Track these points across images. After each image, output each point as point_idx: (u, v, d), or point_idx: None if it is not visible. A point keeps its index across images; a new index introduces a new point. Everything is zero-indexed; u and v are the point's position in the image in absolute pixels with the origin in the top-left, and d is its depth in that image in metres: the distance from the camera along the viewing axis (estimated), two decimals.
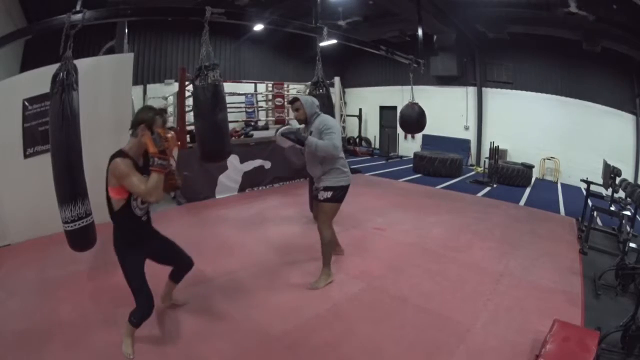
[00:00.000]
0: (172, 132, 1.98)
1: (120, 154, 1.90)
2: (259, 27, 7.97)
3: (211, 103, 2.73)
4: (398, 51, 5.20)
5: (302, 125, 2.92)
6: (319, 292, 2.80)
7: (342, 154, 2.79)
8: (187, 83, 5.15)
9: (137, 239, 2.06)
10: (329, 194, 2.76)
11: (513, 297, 2.78)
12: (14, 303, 2.53)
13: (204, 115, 2.80)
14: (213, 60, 2.76)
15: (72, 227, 2.29)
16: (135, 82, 7.00)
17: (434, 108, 7.65)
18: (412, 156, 9.22)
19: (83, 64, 2.90)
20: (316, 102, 2.86)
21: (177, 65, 8.77)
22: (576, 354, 1.83)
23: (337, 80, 8.32)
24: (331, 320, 2.43)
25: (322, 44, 4.08)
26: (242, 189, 5.88)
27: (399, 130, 6.24)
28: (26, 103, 3.60)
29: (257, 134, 6.51)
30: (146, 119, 1.93)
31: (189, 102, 4.55)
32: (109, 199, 1.93)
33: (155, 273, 2.17)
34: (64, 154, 2.26)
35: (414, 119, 5.24)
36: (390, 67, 11.41)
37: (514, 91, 9.42)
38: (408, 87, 5.50)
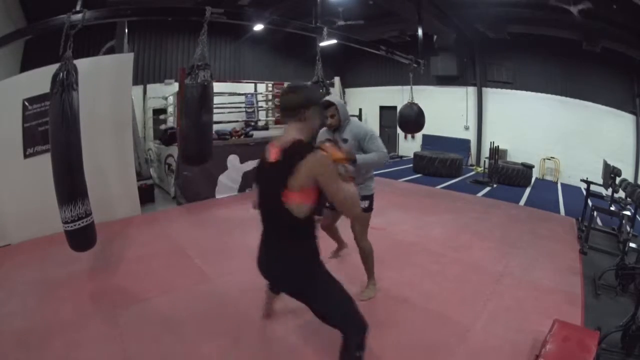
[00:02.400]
0: None
1: (312, 147, 1.41)
2: (259, 27, 7.98)
3: (198, 103, 2.67)
4: (398, 51, 5.20)
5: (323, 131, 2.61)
6: None
7: None
8: None
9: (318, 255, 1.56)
10: (366, 204, 2.57)
11: (513, 297, 2.78)
12: (14, 303, 2.53)
13: (189, 115, 2.73)
14: (206, 60, 2.74)
15: (72, 227, 2.29)
16: (135, 82, 6.99)
17: (434, 108, 7.67)
18: (412, 156, 9.22)
19: (83, 64, 2.90)
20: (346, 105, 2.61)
21: (177, 65, 8.78)
22: (576, 354, 1.83)
23: (337, 80, 8.32)
24: None
25: (322, 44, 4.07)
26: (242, 189, 5.87)
27: (399, 130, 6.24)
28: (26, 103, 3.60)
29: (257, 134, 6.51)
30: (318, 99, 1.46)
31: None
32: (283, 208, 1.37)
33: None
34: (64, 154, 2.26)
35: (413, 119, 5.25)
36: (390, 67, 11.41)
37: (514, 91, 9.43)
38: (408, 87, 5.50)
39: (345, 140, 2.45)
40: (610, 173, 4.22)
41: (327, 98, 2.50)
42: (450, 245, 3.83)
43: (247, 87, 8.36)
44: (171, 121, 7.05)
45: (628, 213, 3.88)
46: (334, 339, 2.23)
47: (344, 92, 10.90)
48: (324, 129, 2.57)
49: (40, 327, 2.24)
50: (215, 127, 5.96)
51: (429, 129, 6.02)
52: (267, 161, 1.48)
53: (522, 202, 6.29)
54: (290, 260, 1.49)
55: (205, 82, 2.69)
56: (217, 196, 5.57)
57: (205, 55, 2.72)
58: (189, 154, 2.86)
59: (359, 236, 2.64)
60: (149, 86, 8.63)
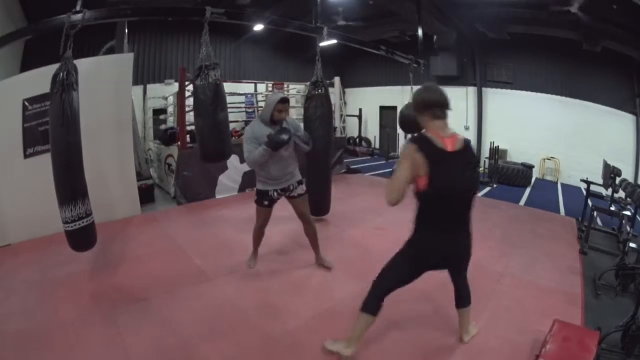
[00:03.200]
0: None
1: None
2: (259, 27, 7.97)
3: (212, 102, 2.74)
4: (398, 51, 5.20)
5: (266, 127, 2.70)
6: (319, 292, 2.80)
7: None
8: (187, 83, 5.15)
9: None
10: (304, 186, 2.92)
11: (513, 297, 2.78)
12: (14, 303, 2.53)
13: (205, 115, 2.79)
14: (213, 60, 2.76)
15: (72, 227, 2.30)
16: (135, 82, 7.01)
17: None
18: None
19: (83, 64, 2.91)
20: None
21: (177, 65, 8.79)
22: (576, 354, 1.83)
23: (337, 80, 8.31)
24: (331, 320, 2.43)
25: (322, 44, 4.07)
26: (242, 189, 5.87)
27: (399, 130, 6.23)
28: (26, 103, 3.60)
29: None
30: None
31: (189, 102, 4.55)
32: (475, 192, 1.85)
33: None
34: (64, 154, 2.27)
35: (414, 119, 5.23)
36: (390, 67, 11.41)
37: (514, 91, 9.42)
38: (408, 87, 5.50)
39: (288, 130, 2.64)
40: (610, 173, 4.22)
41: (282, 95, 2.67)
42: None
43: (247, 87, 8.35)
44: (171, 121, 7.05)
45: (628, 213, 3.88)
46: (332, 339, 2.24)
47: (344, 92, 10.90)
48: (257, 122, 2.73)
49: (40, 327, 2.24)
50: None
51: None
52: (444, 150, 1.68)
53: (522, 202, 6.29)
54: (470, 236, 1.88)
55: (217, 81, 2.73)
56: (217, 196, 5.57)
57: (211, 54, 2.75)
58: (210, 154, 2.96)
59: (310, 216, 3.00)
60: (149, 86, 8.63)
